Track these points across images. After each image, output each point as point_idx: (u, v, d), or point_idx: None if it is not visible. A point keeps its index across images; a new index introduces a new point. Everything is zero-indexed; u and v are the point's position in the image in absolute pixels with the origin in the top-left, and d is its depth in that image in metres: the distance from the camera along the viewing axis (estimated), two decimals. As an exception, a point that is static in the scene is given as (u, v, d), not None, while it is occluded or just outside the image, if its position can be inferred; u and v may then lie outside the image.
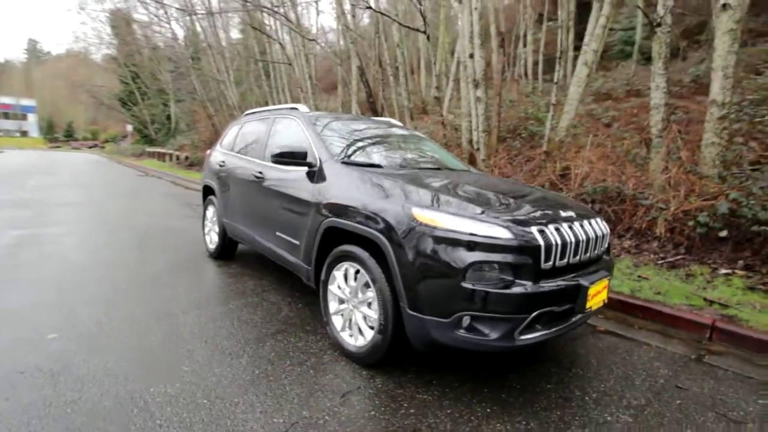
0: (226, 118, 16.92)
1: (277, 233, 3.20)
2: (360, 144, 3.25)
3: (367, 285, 2.37)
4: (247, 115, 4.64)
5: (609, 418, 2.03)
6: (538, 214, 2.21)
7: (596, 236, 2.35)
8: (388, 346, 2.23)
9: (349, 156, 2.95)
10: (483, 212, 2.08)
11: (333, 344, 2.63)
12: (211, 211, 4.63)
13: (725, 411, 2.14)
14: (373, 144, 3.35)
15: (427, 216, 2.05)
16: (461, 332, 1.98)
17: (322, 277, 2.68)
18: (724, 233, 4.15)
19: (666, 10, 5.32)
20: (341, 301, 2.61)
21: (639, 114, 9.84)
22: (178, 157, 18.22)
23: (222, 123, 16.81)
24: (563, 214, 2.30)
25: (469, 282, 1.94)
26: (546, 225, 2.09)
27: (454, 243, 1.97)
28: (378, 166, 2.84)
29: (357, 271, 2.43)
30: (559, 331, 2.14)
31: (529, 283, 1.97)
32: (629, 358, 2.69)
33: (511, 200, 2.35)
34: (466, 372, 2.39)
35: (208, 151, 5.05)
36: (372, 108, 10.55)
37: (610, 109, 10.63)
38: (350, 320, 2.51)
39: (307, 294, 3.54)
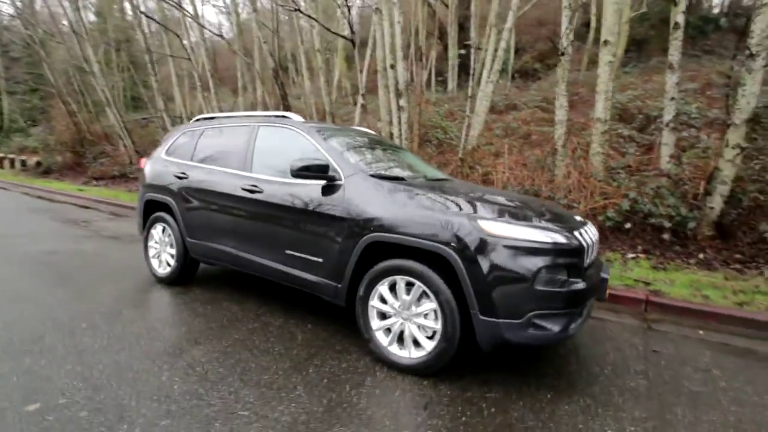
0: (94, 117, 14.34)
1: (288, 251, 2.99)
2: (366, 155, 3.24)
3: (420, 297, 2.44)
4: (201, 120, 4.16)
5: (633, 384, 2.48)
6: (568, 220, 2.57)
7: (596, 238, 2.82)
8: (454, 352, 2.34)
9: (367, 168, 2.93)
10: (539, 220, 2.35)
11: (377, 360, 2.61)
12: (159, 231, 4.02)
13: (694, 364, 2.80)
14: (378, 154, 3.37)
15: (495, 228, 2.23)
16: (531, 330, 2.20)
17: (361, 293, 2.63)
18: (628, 225, 5.24)
19: (568, 43, 6.42)
20: (383, 316, 2.61)
21: (521, 126, 11.49)
22: (23, 162, 14.73)
23: (88, 122, 14.19)
24: (578, 219, 2.71)
25: (539, 284, 2.18)
26: (579, 229, 2.46)
27: (524, 251, 2.19)
28: (401, 179, 2.90)
29: (408, 284, 2.47)
30: (587, 318, 2.53)
31: (579, 280, 2.30)
32: (606, 333, 3.27)
33: (540, 208, 2.67)
34: (502, 366, 2.63)
35: (144, 161, 4.36)
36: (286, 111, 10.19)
37: (498, 121, 12.07)
38: (400, 334, 2.53)
39: (308, 313, 3.37)
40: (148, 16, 10.31)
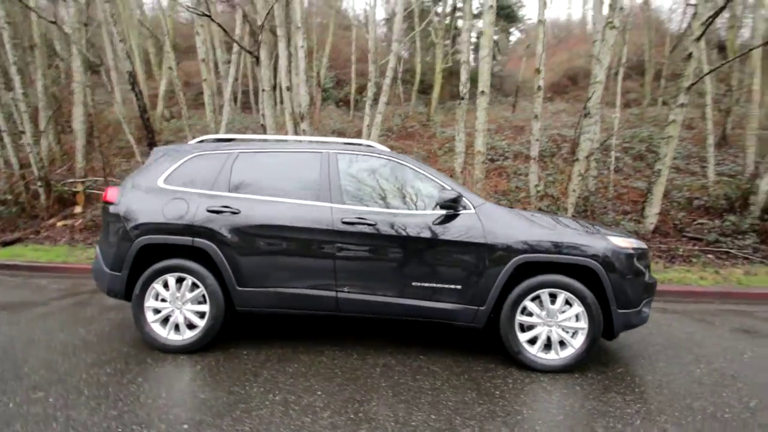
0: None
1: (415, 284, 2.92)
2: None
3: (559, 304, 2.91)
4: (213, 142, 3.40)
5: (662, 341, 3.58)
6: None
7: None
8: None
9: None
10: (624, 233, 3.20)
11: (523, 367, 2.90)
12: (170, 285, 3.04)
13: (662, 322, 4.17)
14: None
15: (620, 242, 2.94)
16: (641, 315, 3.00)
17: (506, 311, 2.90)
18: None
19: (466, 90, 7.85)
20: (523, 329, 2.95)
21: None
22: None
23: None
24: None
25: (646, 279, 3.01)
26: (631, 237, 3.44)
27: (637, 256, 2.97)
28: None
29: (552, 295, 2.91)
30: None
31: (651, 274, 3.25)
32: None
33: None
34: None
35: (115, 192, 3.20)
36: (146, 127, 8.38)
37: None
38: (548, 339, 2.92)
39: (401, 345, 3.27)
40: None
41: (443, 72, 17.57)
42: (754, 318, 4.36)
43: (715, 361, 3.18)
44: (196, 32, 7.51)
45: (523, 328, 2.96)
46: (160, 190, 3.16)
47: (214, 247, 2.99)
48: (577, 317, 2.90)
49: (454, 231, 2.93)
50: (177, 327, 3.07)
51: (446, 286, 2.93)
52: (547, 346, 2.95)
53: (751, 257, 6.41)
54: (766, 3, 9.23)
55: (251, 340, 3.32)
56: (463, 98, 7.97)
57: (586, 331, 2.89)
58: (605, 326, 2.92)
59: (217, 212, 3.03)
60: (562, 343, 2.94)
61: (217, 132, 8.61)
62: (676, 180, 9.31)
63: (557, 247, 2.88)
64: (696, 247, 6.72)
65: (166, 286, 3.07)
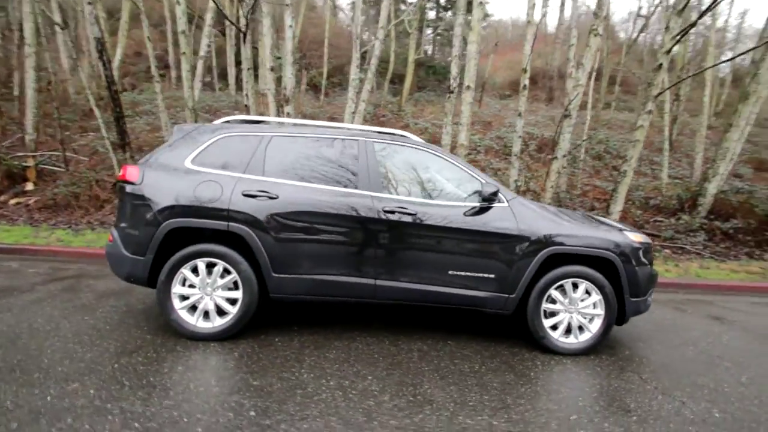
0: None
1: (451, 272, 3.03)
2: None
3: (581, 293, 3.15)
4: (239, 123, 3.27)
5: (651, 327, 3.98)
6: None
7: None
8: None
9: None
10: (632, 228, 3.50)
11: (546, 351, 3.13)
12: (200, 270, 2.92)
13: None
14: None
15: (633, 236, 3.22)
16: (647, 303, 3.33)
17: (533, 298, 3.09)
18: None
19: (456, 84, 7.99)
20: (546, 315, 3.16)
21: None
22: None
23: None
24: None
25: (652, 270, 3.33)
26: (633, 233, 3.77)
27: (645, 249, 3.28)
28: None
29: (575, 285, 3.14)
30: None
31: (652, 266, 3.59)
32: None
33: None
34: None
35: (136, 171, 2.99)
36: (113, 99, 7.73)
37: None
38: (569, 325, 3.16)
39: (427, 331, 3.38)
40: None
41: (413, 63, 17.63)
42: (717, 306, 4.95)
43: (700, 344, 3.60)
44: (177, 2, 6.99)
45: (546, 315, 3.18)
46: (188, 170, 3.00)
47: (251, 232, 2.90)
48: (594, 305, 3.16)
49: (490, 223, 3.06)
50: (206, 314, 2.96)
51: (481, 275, 3.07)
52: (567, 330, 3.19)
53: (701, 253, 7.20)
54: (717, 22, 10.21)
55: (277, 327, 3.27)
56: (452, 92, 8.12)
57: (602, 318, 3.16)
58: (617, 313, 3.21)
59: (254, 197, 2.94)
60: (580, 329, 3.19)
61: (193, 108, 8.14)
62: (632, 180, 10.14)
63: (581, 240, 3.11)
64: (655, 243, 7.42)
65: (195, 271, 2.94)
